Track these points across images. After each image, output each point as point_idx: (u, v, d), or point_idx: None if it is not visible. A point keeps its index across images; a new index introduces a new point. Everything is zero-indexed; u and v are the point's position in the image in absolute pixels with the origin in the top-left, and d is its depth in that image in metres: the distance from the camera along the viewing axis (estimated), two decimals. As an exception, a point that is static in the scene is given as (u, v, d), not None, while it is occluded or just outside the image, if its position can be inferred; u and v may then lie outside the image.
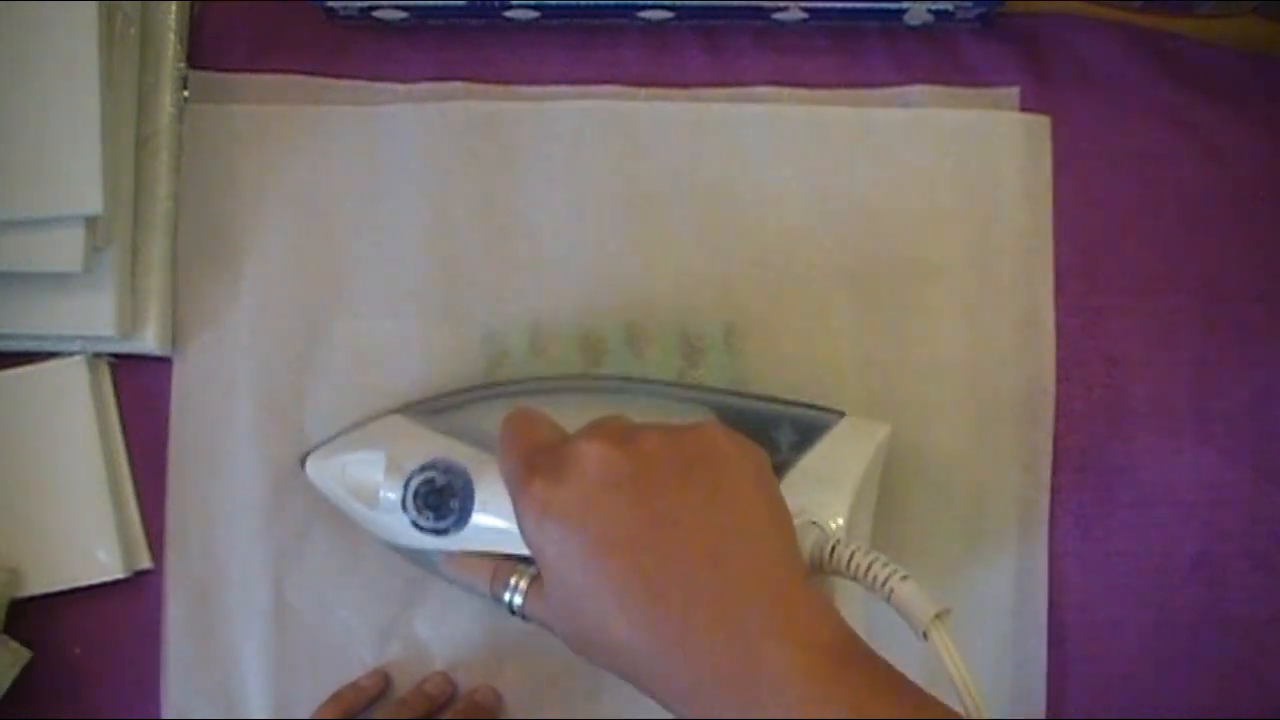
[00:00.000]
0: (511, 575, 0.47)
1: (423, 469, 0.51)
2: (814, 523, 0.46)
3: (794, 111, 0.57)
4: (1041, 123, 0.57)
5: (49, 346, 0.56)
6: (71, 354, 0.56)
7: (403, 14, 0.56)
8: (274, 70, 0.58)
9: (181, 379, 0.57)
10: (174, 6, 0.57)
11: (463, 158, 0.57)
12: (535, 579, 0.47)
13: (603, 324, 0.56)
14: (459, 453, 0.51)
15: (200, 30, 0.58)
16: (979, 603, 0.56)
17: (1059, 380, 0.56)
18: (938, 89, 0.57)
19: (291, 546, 0.56)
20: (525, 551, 0.43)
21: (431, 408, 0.54)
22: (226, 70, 0.58)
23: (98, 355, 0.57)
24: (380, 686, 0.56)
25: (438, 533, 0.50)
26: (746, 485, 0.41)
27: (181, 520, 0.57)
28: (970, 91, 0.57)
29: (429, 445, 0.52)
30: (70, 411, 0.56)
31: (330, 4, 0.55)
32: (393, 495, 0.51)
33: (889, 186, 0.57)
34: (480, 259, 0.57)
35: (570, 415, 0.45)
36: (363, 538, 0.56)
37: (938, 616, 0.41)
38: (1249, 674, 0.56)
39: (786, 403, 0.53)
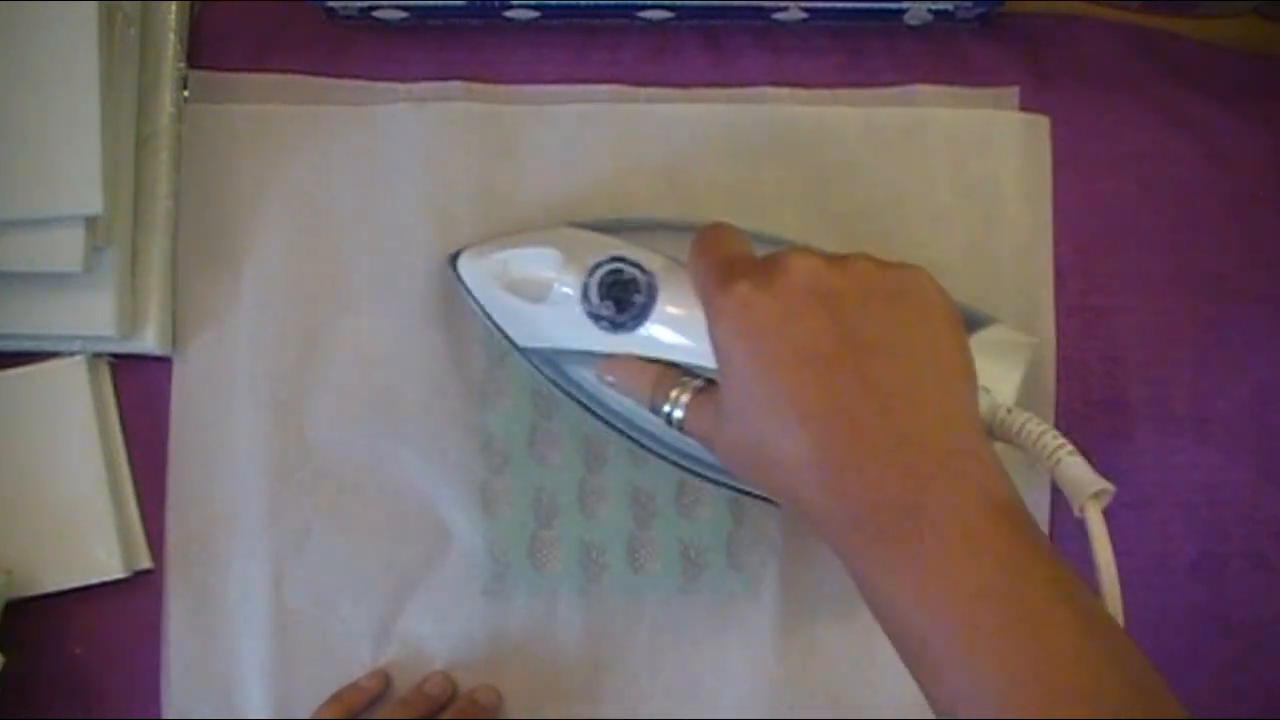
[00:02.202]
0: (675, 387, 0.46)
1: (611, 259, 0.49)
2: (985, 388, 0.45)
3: (794, 111, 0.57)
4: (1041, 122, 0.57)
5: (49, 346, 0.56)
6: (71, 354, 0.56)
7: (403, 14, 0.56)
8: (274, 70, 0.58)
9: (181, 379, 0.57)
10: (174, 6, 0.57)
11: (463, 158, 0.57)
12: (700, 392, 0.46)
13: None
14: (644, 254, 0.49)
15: (200, 30, 0.58)
16: None
17: (1059, 380, 0.56)
18: (938, 89, 0.57)
19: (291, 546, 0.56)
20: (694, 363, 0.42)
21: (602, 225, 0.53)
22: (226, 70, 0.58)
23: (98, 355, 0.57)
24: (380, 687, 0.56)
25: (615, 326, 0.48)
26: (945, 330, 0.41)
27: (181, 520, 0.57)
28: (970, 91, 0.57)
29: (610, 245, 0.50)
30: (70, 411, 0.56)
31: (330, 4, 0.55)
32: (569, 289, 0.49)
33: (889, 186, 0.57)
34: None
35: None
36: (363, 536, 0.56)
37: (1095, 495, 0.41)
38: (1249, 674, 0.56)
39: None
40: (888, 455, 0.38)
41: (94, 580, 0.56)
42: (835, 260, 0.41)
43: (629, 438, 0.52)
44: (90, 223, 0.53)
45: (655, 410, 0.47)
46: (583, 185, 0.57)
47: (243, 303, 0.57)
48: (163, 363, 0.57)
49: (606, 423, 0.52)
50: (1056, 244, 0.57)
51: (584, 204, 0.57)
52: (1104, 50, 0.58)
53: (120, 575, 0.56)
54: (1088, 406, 0.56)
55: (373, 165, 0.57)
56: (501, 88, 0.58)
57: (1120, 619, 0.40)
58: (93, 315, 0.55)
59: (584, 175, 0.57)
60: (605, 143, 0.57)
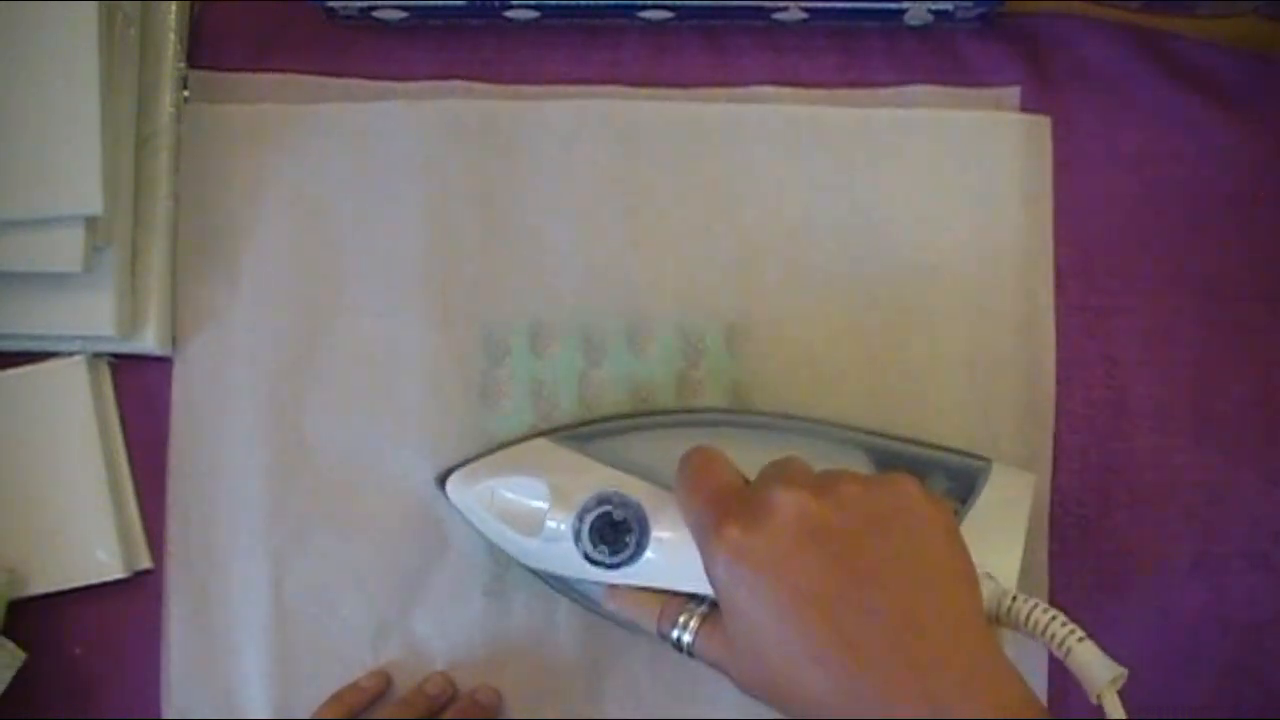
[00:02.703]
0: (681, 614, 0.47)
1: (600, 501, 0.50)
2: (989, 575, 0.45)
3: (794, 111, 0.57)
4: (1041, 123, 0.57)
5: (49, 346, 0.56)
6: (71, 354, 0.56)
7: (403, 14, 0.56)
8: (274, 70, 0.58)
9: (181, 379, 0.57)
10: (174, 6, 0.57)
11: (462, 157, 0.57)
12: (706, 618, 0.46)
13: (603, 324, 0.56)
14: (629, 486, 0.50)
15: (200, 30, 0.58)
16: None
17: (1059, 380, 0.56)
18: (938, 89, 0.57)
19: (291, 546, 0.56)
20: (693, 589, 0.43)
21: (579, 435, 0.54)
22: (226, 70, 0.58)
23: (98, 355, 0.57)
24: (381, 687, 0.56)
25: (610, 567, 0.49)
26: (941, 542, 0.41)
27: (181, 520, 0.57)
28: (970, 91, 0.57)
29: (594, 476, 0.51)
30: (70, 411, 0.56)
31: (330, 4, 0.55)
32: (560, 525, 0.50)
33: (889, 186, 0.57)
34: (480, 259, 0.57)
35: (733, 454, 0.45)
36: (363, 537, 0.56)
37: (1112, 681, 0.41)
38: (1249, 674, 0.56)
39: (933, 447, 0.53)
40: (905, 688, 0.38)
41: (94, 580, 0.56)
42: (822, 489, 0.41)
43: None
44: (90, 223, 0.53)
45: (664, 637, 0.47)
46: (582, 185, 0.57)
47: (243, 303, 0.57)
48: (163, 363, 0.57)
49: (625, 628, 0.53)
50: (1056, 244, 0.57)
51: (584, 204, 0.57)
52: (1104, 50, 0.58)
53: (120, 575, 0.56)
54: (1088, 406, 0.56)
55: (372, 165, 0.57)
56: (501, 87, 0.57)
57: None
58: (93, 315, 0.55)
59: (584, 175, 0.57)
60: (605, 143, 0.57)
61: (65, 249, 0.52)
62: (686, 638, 0.46)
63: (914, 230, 0.57)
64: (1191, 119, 0.57)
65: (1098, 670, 0.41)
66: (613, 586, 0.50)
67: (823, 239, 0.57)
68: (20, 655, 0.54)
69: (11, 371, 0.56)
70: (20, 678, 0.54)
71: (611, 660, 0.56)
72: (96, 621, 0.57)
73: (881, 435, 0.54)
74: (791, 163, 0.57)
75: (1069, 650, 0.42)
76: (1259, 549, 0.56)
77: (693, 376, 0.56)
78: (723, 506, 0.42)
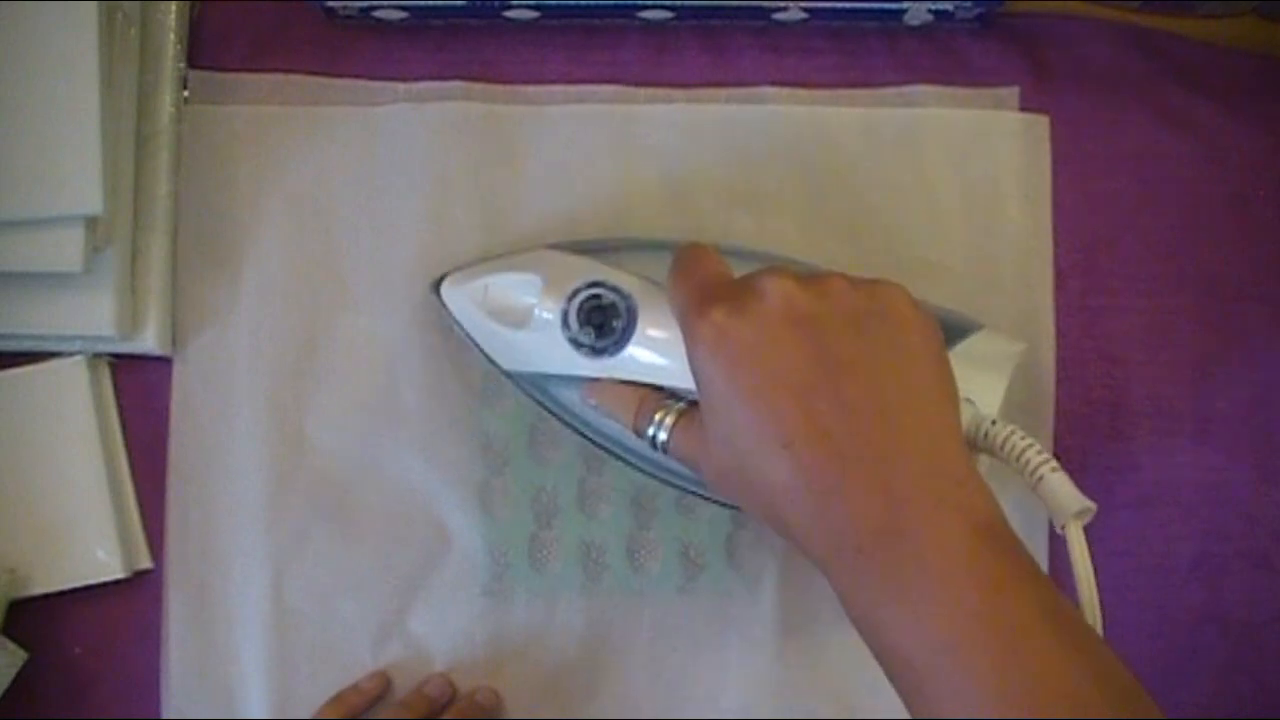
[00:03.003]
0: (658, 410, 0.46)
1: (590, 285, 0.49)
2: (969, 400, 0.45)
3: (794, 111, 0.57)
4: (1041, 122, 0.57)
5: (49, 346, 0.56)
6: (71, 354, 0.56)
7: (403, 14, 0.56)
8: (274, 70, 0.58)
9: (181, 379, 0.57)
10: (174, 6, 0.57)
11: (462, 157, 0.57)
12: (683, 415, 0.46)
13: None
14: (622, 278, 0.49)
15: (200, 30, 0.58)
16: None
17: (1059, 380, 0.56)
18: (938, 89, 0.57)
19: (291, 546, 0.56)
20: (675, 385, 0.42)
21: (582, 246, 0.53)
22: (226, 70, 0.58)
23: (98, 355, 0.57)
24: (380, 688, 0.56)
25: (596, 352, 0.49)
26: (922, 348, 0.41)
27: (181, 520, 0.57)
28: (970, 91, 0.57)
29: (590, 269, 0.50)
30: (70, 411, 0.56)
31: (330, 4, 0.55)
32: (549, 314, 0.49)
33: (889, 186, 0.57)
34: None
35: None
36: (362, 537, 0.56)
37: (1078, 514, 0.41)
38: (1249, 674, 0.56)
39: (927, 303, 0.53)
40: (869, 479, 0.38)
41: (94, 580, 0.56)
42: (810, 282, 0.41)
43: (619, 457, 0.52)
44: (90, 223, 0.53)
45: (639, 433, 0.47)
46: (582, 185, 0.57)
47: (243, 303, 0.57)
48: (163, 363, 0.57)
49: (595, 443, 0.52)
50: (1056, 244, 0.57)
51: (583, 204, 0.57)
52: (1104, 50, 0.58)
53: (120, 575, 0.56)
54: (1088, 406, 0.56)
55: (372, 165, 0.57)
56: (501, 88, 0.58)
57: (1100, 632, 0.40)
58: (93, 315, 0.55)
59: (584, 175, 0.57)
60: (605, 143, 0.57)
61: (65, 249, 0.52)
62: (662, 435, 0.46)
63: (914, 230, 0.57)
64: (1191, 119, 0.57)
65: (1066, 500, 0.41)
66: (594, 381, 0.50)
67: (823, 239, 0.57)
68: (21, 655, 0.54)
69: (11, 371, 0.56)
70: (20, 678, 0.54)
71: (611, 660, 0.56)
72: (96, 621, 0.57)
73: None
74: (791, 163, 0.57)
75: (1040, 478, 0.42)
76: (1259, 549, 0.56)
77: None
78: (709, 291, 0.42)
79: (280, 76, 0.58)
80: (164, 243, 0.57)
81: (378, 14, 0.56)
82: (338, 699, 0.55)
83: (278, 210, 0.57)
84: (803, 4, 0.55)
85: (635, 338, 0.48)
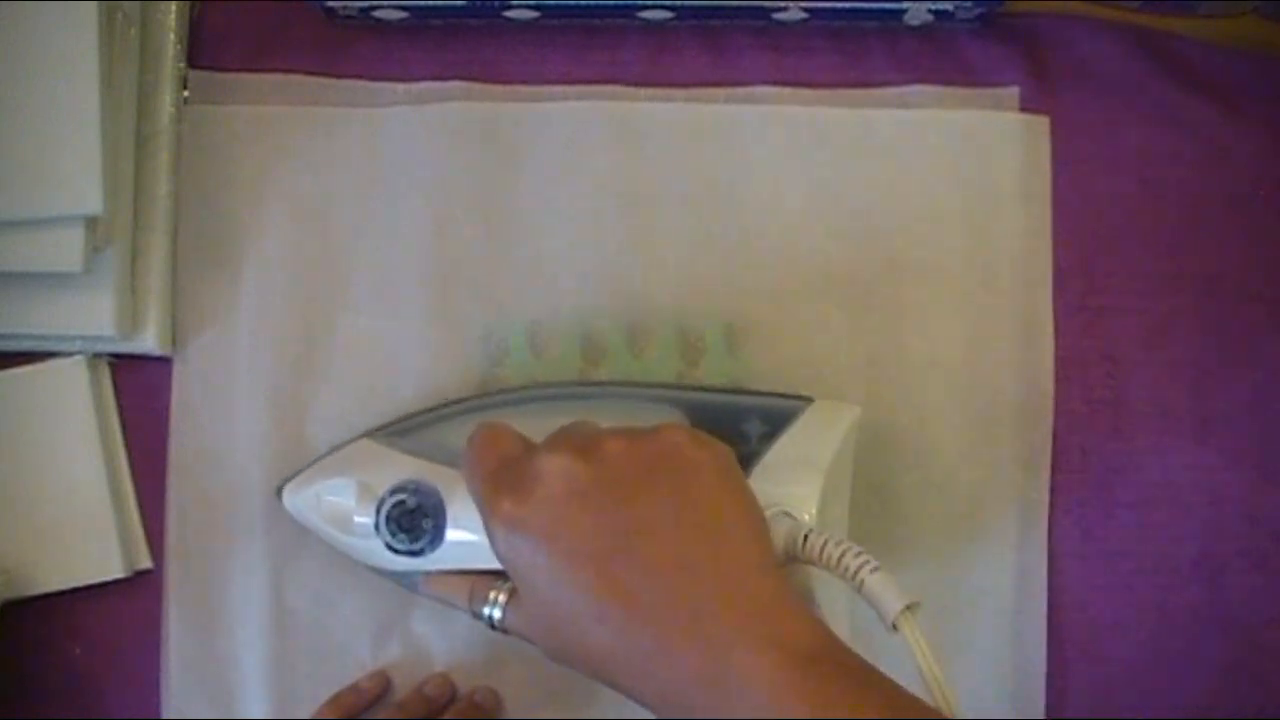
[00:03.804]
0: (490, 590, 0.47)
1: (393, 492, 0.51)
2: (786, 513, 0.45)
3: (794, 111, 0.57)
4: (1041, 123, 0.57)
5: (49, 346, 0.56)
6: (71, 354, 0.56)
7: (403, 14, 0.56)
8: (274, 70, 0.58)
9: (181, 379, 0.57)
10: (174, 6, 0.57)
11: (463, 158, 0.57)
12: (513, 593, 0.46)
13: (602, 324, 0.56)
14: (429, 472, 0.51)
15: (200, 30, 0.58)
16: (979, 603, 0.56)
17: (1058, 380, 0.56)
18: (938, 89, 0.57)
19: (291, 546, 0.56)
20: (501, 566, 0.43)
21: (399, 429, 0.54)
22: (226, 70, 0.58)
23: (98, 355, 0.57)
24: (380, 688, 0.56)
25: (413, 554, 0.50)
26: (713, 485, 0.41)
27: (181, 520, 0.57)
28: (970, 91, 0.57)
29: (399, 467, 0.52)
30: (70, 411, 0.56)
31: (330, 4, 0.55)
32: (366, 520, 0.51)
33: (888, 186, 0.57)
34: (480, 259, 0.57)
35: (540, 424, 0.45)
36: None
37: (907, 609, 0.41)
38: (1249, 674, 0.56)
39: (755, 393, 0.53)
40: (682, 633, 0.38)
41: (94, 580, 0.56)
42: (587, 451, 0.41)
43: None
44: (90, 223, 0.53)
45: (477, 616, 0.48)
46: (582, 185, 0.57)
47: (243, 303, 0.57)
48: (163, 363, 0.57)
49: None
50: (1056, 244, 0.57)
51: (584, 204, 0.57)
52: (1104, 50, 0.58)
53: (120, 575, 0.56)
54: (1088, 406, 0.56)
55: (372, 165, 0.57)
56: (501, 88, 0.58)
57: (956, 715, 0.40)
58: (93, 315, 0.55)
59: (584, 175, 0.57)
60: (605, 143, 0.57)
61: (65, 249, 0.52)
62: (496, 614, 0.46)
63: (913, 230, 0.57)
64: (1191, 119, 0.57)
65: (891, 599, 0.41)
66: (428, 573, 0.51)
67: (822, 239, 0.57)
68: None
69: (11, 371, 0.56)
70: (20, 678, 0.55)
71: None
72: (96, 621, 0.57)
73: (693, 388, 0.54)
74: (791, 163, 0.57)
75: (862, 582, 0.41)
76: (1259, 549, 0.56)
77: (692, 376, 0.56)
78: (497, 480, 0.42)
79: (280, 76, 0.58)
80: (164, 243, 0.57)
81: (378, 14, 0.56)
82: (336, 699, 0.55)
83: (278, 210, 0.57)
84: (803, 4, 0.55)
85: (450, 531, 0.50)
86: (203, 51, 0.58)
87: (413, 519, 0.50)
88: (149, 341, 0.56)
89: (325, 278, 0.57)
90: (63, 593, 0.56)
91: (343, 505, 0.52)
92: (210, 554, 0.57)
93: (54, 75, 0.52)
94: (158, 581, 0.57)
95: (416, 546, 0.50)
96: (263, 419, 0.56)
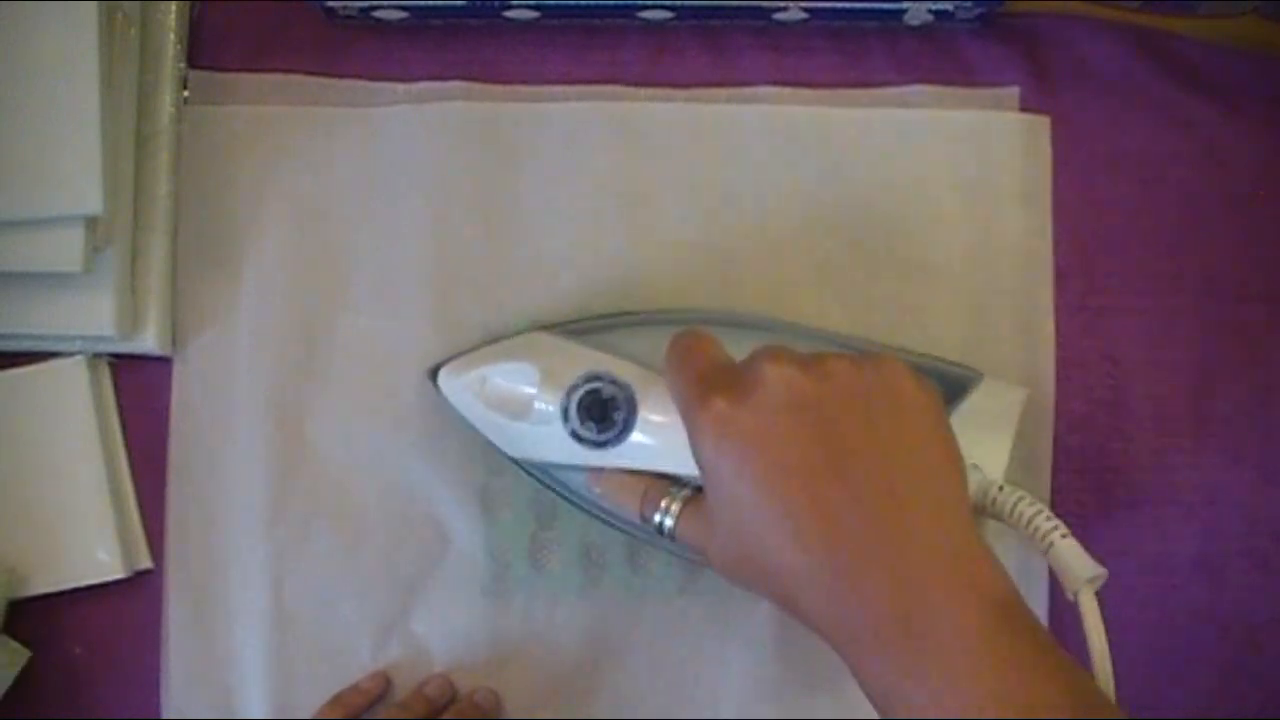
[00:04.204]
0: (663, 497, 0.47)
1: (588, 379, 0.49)
2: (975, 466, 0.45)
3: (794, 111, 0.57)
4: (1041, 123, 0.57)
5: (49, 346, 0.56)
6: (71, 354, 0.56)
7: (403, 14, 0.56)
8: (274, 70, 0.58)
9: (181, 379, 0.57)
10: (174, 6, 0.57)
11: (463, 158, 0.57)
12: (689, 501, 0.46)
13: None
14: (620, 368, 0.50)
15: (200, 30, 0.58)
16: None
17: (1059, 380, 0.56)
18: (938, 89, 0.57)
19: (291, 546, 0.56)
20: (679, 472, 0.42)
21: (574, 329, 0.53)
22: (226, 70, 0.58)
23: (98, 355, 0.57)
24: (380, 688, 0.56)
25: (598, 445, 0.49)
26: (927, 423, 0.41)
27: (181, 520, 0.57)
28: (970, 91, 0.57)
29: (586, 359, 0.50)
30: (70, 411, 0.56)
31: (330, 4, 0.55)
32: (549, 406, 0.50)
33: (889, 186, 0.57)
34: (480, 259, 0.57)
35: (728, 347, 0.45)
36: (363, 537, 0.56)
37: (1091, 580, 0.41)
38: (1249, 674, 0.56)
39: (926, 356, 0.53)
40: (880, 564, 0.38)
41: (94, 580, 0.56)
42: (810, 365, 0.41)
43: (629, 534, 0.53)
44: (90, 223, 0.53)
45: (646, 521, 0.47)
46: (582, 185, 0.57)
47: (243, 303, 0.57)
48: (163, 363, 0.57)
49: (605, 522, 0.53)
50: (1056, 244, 0.57)
51: (584, 204, 0.57)
52: (1104, 50, 0.58)
53: (120, 575, 0.56)
54: (1088, 406, 0.56)
55: (372, 165, 0.57)
56: (501, 88, 0.58)
57: (1113, 698, 0.40)
58: (93, 315, 0.55)
59: (584, 175, 0.57)
60: (605, 143, 0.57)
61: (65, 249, 0.52)
62: (668, 521, 0.46)
63: (913, 230, 0.57)
64: (1191, 119, 0.57)
65: (1078, 568, 0.41)
66: (598, 470, 0.50)
67: (822, 239, 0.57)
68: (24, 653, 0.55)
69: (11, 371, 0.56)
70: (20, 677, 0.55)
71: (611, 660, 0.56)
72: (96, 621, 0.57)
73: (872, 342, 0.54)
74: (791, 163, 0.57)
75: (1051, 545, 0.42)
76: (1259, 549, 0.56)
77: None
78: (710, 380, 0.42)
79: (280, 76, 0.58)
80: (164, 243, 0.57)
81: (378, 14, 0.56)
82: (337, 699, 0.55)
83: (278, 210, 0.57)
84: (803, 4, 0.55)
85: (637, 428, 0.49)
86: (203, 51, 0.58)
87: (605, 408, 0.49)
88: (149, 341, 0.56)
89: (325, 278, 0.57)
90: (63, 593, 0.56)
91: (518, 391, 0.51)
92: (210, 554, 0.57)
93: (54, 75, 0.52)
94: (158, 581, 0.57)
95: (603, 437, 0.49)
96: (263, 419, 0.56)
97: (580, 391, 0.49)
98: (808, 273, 0.56)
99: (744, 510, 0.40)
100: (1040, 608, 0.56)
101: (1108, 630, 0.41)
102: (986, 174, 0.57)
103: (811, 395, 0.40)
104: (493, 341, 0.54)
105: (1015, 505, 0.43)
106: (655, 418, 0.49)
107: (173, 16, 0.57)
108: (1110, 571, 0.56)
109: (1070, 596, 0.41)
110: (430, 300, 0.57)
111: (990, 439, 0.48)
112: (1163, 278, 0.57)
